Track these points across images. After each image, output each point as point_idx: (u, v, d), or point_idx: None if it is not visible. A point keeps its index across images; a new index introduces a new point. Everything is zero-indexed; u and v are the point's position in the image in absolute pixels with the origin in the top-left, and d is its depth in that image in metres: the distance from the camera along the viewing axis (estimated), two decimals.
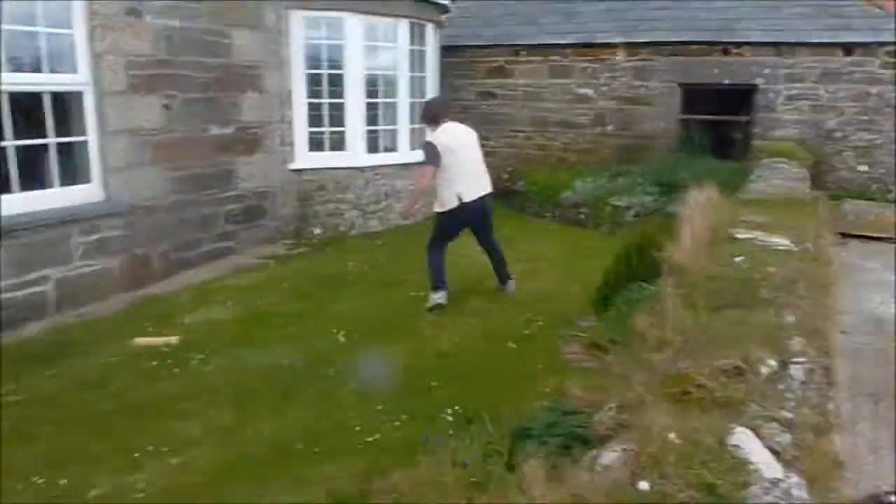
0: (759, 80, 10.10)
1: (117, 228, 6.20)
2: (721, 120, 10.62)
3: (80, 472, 3.45)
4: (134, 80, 6.24)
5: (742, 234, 3.58)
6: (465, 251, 8.15)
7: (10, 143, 5.39)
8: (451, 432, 3.93)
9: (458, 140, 6.05)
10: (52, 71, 5.77)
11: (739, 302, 2.50)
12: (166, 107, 6.41)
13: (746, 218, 4.07)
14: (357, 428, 3.98)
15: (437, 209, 6.29)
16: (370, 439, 3.85)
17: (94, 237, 5.99)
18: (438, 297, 6.06)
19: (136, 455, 3.65)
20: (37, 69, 5.68)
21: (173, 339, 5.22)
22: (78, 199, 5.95)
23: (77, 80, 5.90)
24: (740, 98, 10.39)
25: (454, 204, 5.99)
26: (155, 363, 4.84)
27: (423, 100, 9.38)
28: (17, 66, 5.56)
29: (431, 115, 6.20)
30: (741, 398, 1.79)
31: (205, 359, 4.92)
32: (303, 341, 5.26)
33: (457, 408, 4.17)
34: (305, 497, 3.30)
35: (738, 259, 3.07)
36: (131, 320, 5.70)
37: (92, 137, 6.06)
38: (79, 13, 5.81)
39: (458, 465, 2.64)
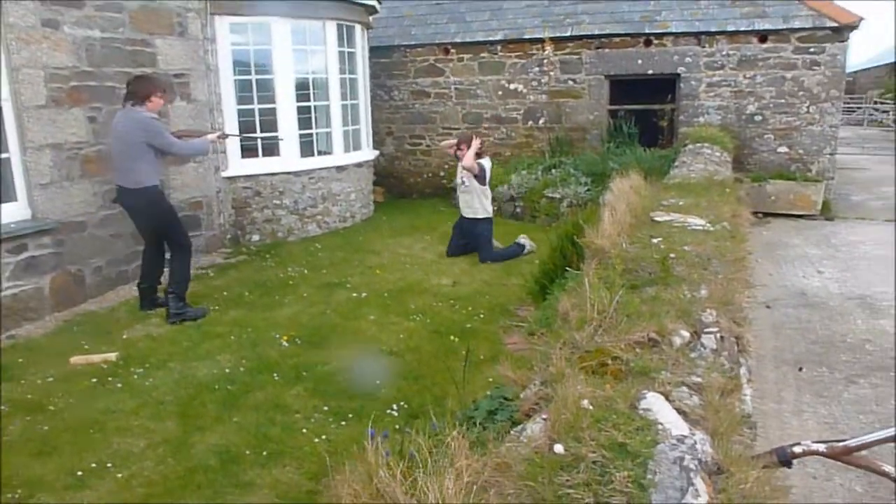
0: (681, 69, 10.47)
1: (47, 246, 6.04)
2: (648, 109, 10.97)
3: (24, 495, 3.40)
4: (55, 93, 6.09)
5: (661, 217, 3.75)
6: (409, 251, 8.25)
7: None
8: (396, 427, 4.02)
9: None
10: None
11: (656, 280, 2.65)
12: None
13: (667, 201, 4.26)
14: (304, 430, 4.02)
15: None
16: (317, 440, 3.90)
17: (22, 256, 5.84)
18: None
19: (80, 473, 3.60)
20: None
21: (112, 356, 5.13)
22: (3, 218, 5.79)
23: None
24: (665, 87, 10.75)
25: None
26: (94, 380, 4.75)
27: (353, 102, 9.47)
28: None
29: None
30: (654, 367, 1.92)
31: (145, 373, 4.86)
32: (245, 349, 5.25)
33: (403, 404, 4.26)
34: (256, 501, 3.33)
35: (655, 240, 3.23)
36: (67, 339, 5.57)
37: (14, 153, 5.90)
38: None
39: (404, 457, 2.73)
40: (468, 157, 7.40)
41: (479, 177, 7.54)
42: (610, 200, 3.90)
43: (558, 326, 2.34)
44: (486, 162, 7.71)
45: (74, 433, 4.04)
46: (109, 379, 4.78)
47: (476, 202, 7.62)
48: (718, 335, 2.32)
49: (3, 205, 5.82)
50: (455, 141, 7.85)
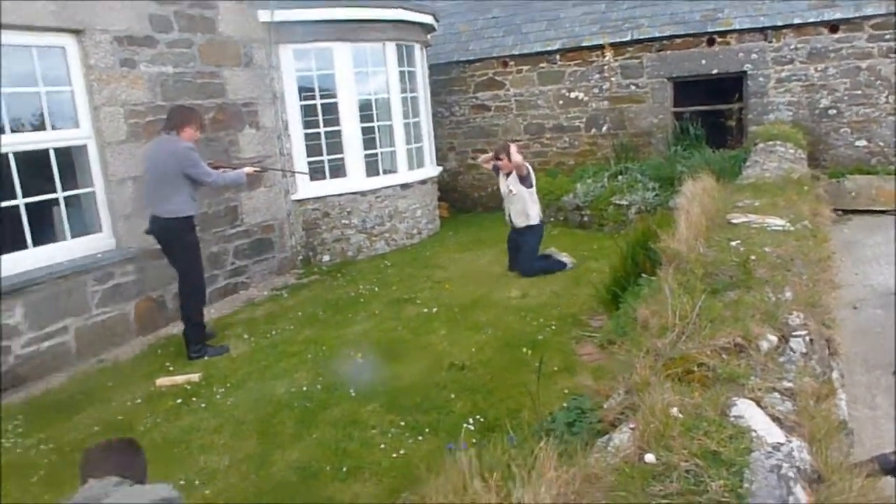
0: (747, 67, 10.19)
1: (130, 274, 6.32)
2: (714, 109, 10.71)
3: None
4: (134, 127, 6.39)
5: (738, 219, 3.65)
6: (476, 264, 8.26)
7: (21, 202, 5.54)
8: (474, 441, 4.01)
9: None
10: (55, 128, 5.93)
11: (737, 283, 2.57)
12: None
13: (742, 202, 4.14)
14: (382, 445, 4.05)
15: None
16: (395, 455, 3.93)
17: (108, 284, 6.12)
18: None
19: None
20: (40, 128, 5.84)
21: (195, 377, 5.31)
22: (90, 249, 6.10)
23: (79, 134, 6.06)
24: (731, 86, 10.47)
25: None
26: (179, 401, 4.93)
27: (414, 120, 9.56)
28: (20, 126, 5.73)
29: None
30: (742, 373, 1.86)
31: (226, 392, 5.01)
32: (321, 366, 5.34)
33: (478, 417, 4.25)
34: None
35: (734, 243, 3.14)
36: (152, 362, 5.80)
37: (98, 187, 6.21)
38: (76, 69, 5.98)
39: (483, 471, 2.72)
40: (515, 155, 7.35)
41: (527, 178, 7.43)
42: (682, 204, 3.82)
43: (638, 334, 2.30)
44: (528, 165, 7.63)
45: (162, 451, 4.19)
46: (193, 399, 4.95)
47: (527, 208, 7.50)
48: (807, 338, 2.23)
49: (91, 236, 6.13)
50: (492, 154, 7.78)
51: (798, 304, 2.49)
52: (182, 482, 3.79)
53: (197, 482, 3.80)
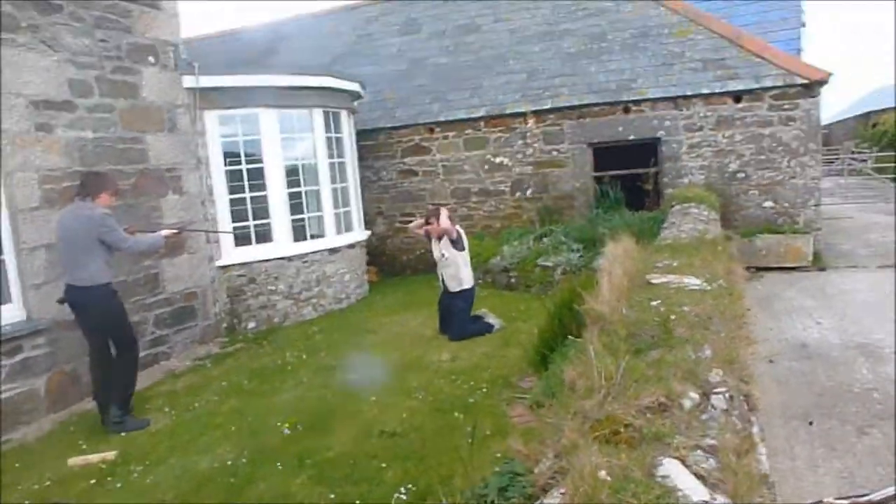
0: (661, 133, 10.73)
1: (41, 346, 6.01)
2: (631, 173, 11.18)
3: None
4: (49, 193, 6.18)
5: (657, 279, 3.77)
6: (405, 328, 8.22)
7: None
8: None
9: None
10: None
11: (658, 343, 2.64)
12: None
13: (661, 263, 4.29)
14: None
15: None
16: None
17: (17, 358, 5.79)
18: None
19: None
20: None
21: (110, 455, 5.02)
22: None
23: None
24: (647, 151, 10.99)
25: None
26: (93, 482, 4.64)
27: (342, 184, 9.60)
28: None
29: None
30: (667, 431, 1.90)
31: (145, 470, 4.75)
32: (246, 439, 5.15)
33: (410, 486, 4.16)
34: None
35: (654, 302, 3.24)
36: (64, 440, 5.47)
37: (9, 256, 5.93)
38: None
39: None
40: (444, 220, 7.47)
41: (458, 242, 7.55)
42: (605, 266, 3.93)
43: (566, 396, 2.32)
44: (459, 228, 7.77)
45: None
46: (108, 479, 4.67)
47: (459, 272, 7.59)
48: (727, 394, 2.30)
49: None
50: (423, 220, 7.89)
51: (717, 360, 2.58)
52: None
53: None
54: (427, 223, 7.72)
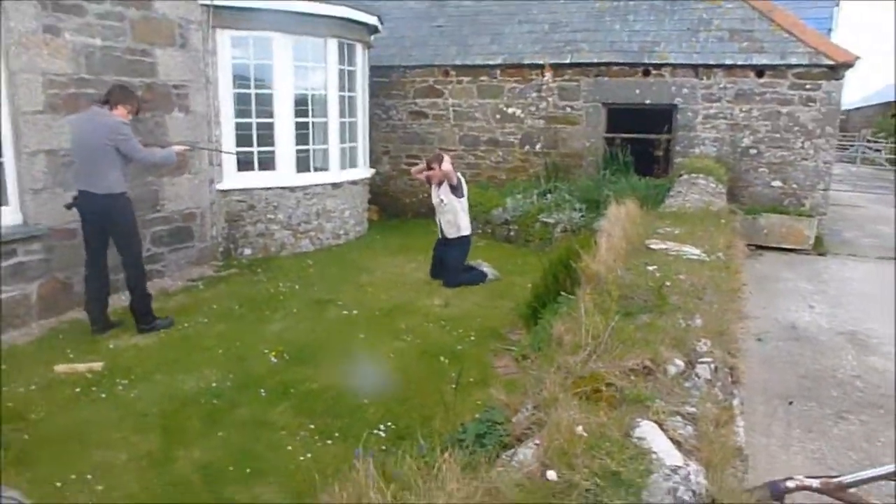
0: (678, 100, 10.56)
1: (36, 252, 5.99)
2: (644, 138, 11.04)
3: None
4: (53, 98, 6.08)
5: (657, 245, 3.75)
6: (401, 270, 8.22)
7: None
8: (383, 448, 3.97)
9: None
10: None
11: (650, 307, 2.63)
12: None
13: (662, 230, 4.26)
14: (289, 448, 3.96)
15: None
16: (302, 458, 3.84)
17: (11, 261, 5.78)
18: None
19: (59, 485, 3.54)
20: None
21: (97, 366, 5.06)
22: None
23: None
24: (662, 117, 10.83)
25: None
26: (78, 390, 4.68)
27: (351, 119, 9.49)
28: None
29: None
30: (648, 395, 1.90)
31: (130, 384, 4.80)
32: (232, 363, 5.19)
33: (389, 424, 4.21)
34: None
35: (650, 268, 3.22)
36: (52, 347, 5.50)
37: (8, 159, 5.87)
38: None
39: (390, 478, 2.68)
40: (447, 164, 7.42)
41: (458, 188, 7.52)
42: (606, 227, 3.90)
43: (552, 351, 2.32)
44: (460, 176, 7.73)
45: (55, 443, 3.98)
46: (93, 389, 4.72)
47: (458, 219, 7.59)
48: (713, 365, 2.30)
49: None
50: (424, 165, 7.83)
51: (707, 331, 2.57)
52: (73, 477, 3.60)
53: (89, 476, 3.61)
54: (429, 168, 7.65)
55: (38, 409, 4.40)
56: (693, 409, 1.89)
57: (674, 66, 10.50)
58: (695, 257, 3.63)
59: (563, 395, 1.81)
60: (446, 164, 7.42)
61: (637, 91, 10.72)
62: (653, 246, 3.73)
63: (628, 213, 4.41)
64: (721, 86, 10.37)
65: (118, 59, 6.72)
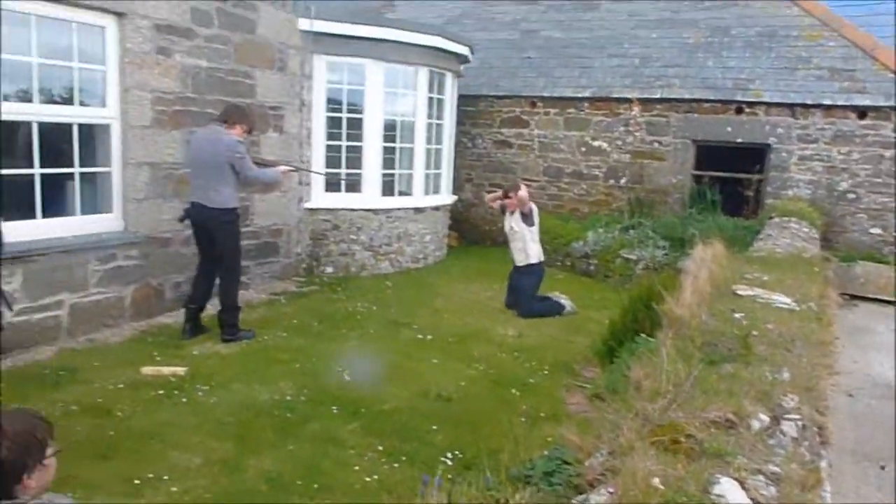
0: (771, 140, 10.22)
1: (133, 258, 6.32)
2: (733, 177, 10.71)
3: (81, 496, 3.48)
4: (159, 115, 6.44)
5: (744, 291, 3.62)
6: (476, 298, 8.23)
7: (37, 171, 5.57)
8: (449, 476, 3.96)
9: None
10: (83, 104, 5.98)
11: (735, 357, 2.54)
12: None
13: (750, 275, 4.11)
14: (356, 467, 4.00)
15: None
16: (368, 479, 3.87)
17: (110, 265, 6.12)
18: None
19: (137, 482, 3.69)
20: (68, 102, 5.89)
21: (180, 370, 5.27)
22: (98, 228, 6.11)
23: (105, 113, 6.10)
24: (753, 156, 10.50)
25: None
26: (161, 392, 4.89)
27: (437, 146, 9.64)
28: (50, 98, 5.78)
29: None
30: (730, 450, 1.83)
31: (209, 391, 4.97)
32: (307, 378, 5.30)
33: (457, 452, 4.20)
34: None
35: (737, 315, 3.11)
36: (140, 349, 5.77)
37: (115, 169, 6.24)
38: (112, 50, 6.05)
39: None
40: (524, 192, 7.41)
41: (529, 217, 7.51)
42: (690, 268, 3.80)
43: (629, 395, 2.27)
44: (533, 205, 7.70)
45: (136, 441, 4.15)
46: (175, 392, 4.90)
47: (527, 247, 7.55)
48: (800, 423, 2.19)
49: (100, 216, 6.16)
50: (501, 193, 7.84)
51: (794, 386, 2.46)
52: (150, 476, 3.74)
53: (165, 477, 3.75)
54: (506, 197, 7.68)
55: (123, 407, 4.60)
56: (777, 469, 1.80)
57: (768, 104, 10.19)
58: (784, 306, 3.48)
59: (640, 444, 1.77)
60: (523, 191, 7.43)
61: (728, 129, 10.45)
62: (740, 292, 3.61)
63: (715, 254, 4.29)
64: (818, 126, 9.98)
65: (221, 80, 7.07)
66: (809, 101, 9.94)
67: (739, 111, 10.39)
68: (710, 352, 2.58)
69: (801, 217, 8.26)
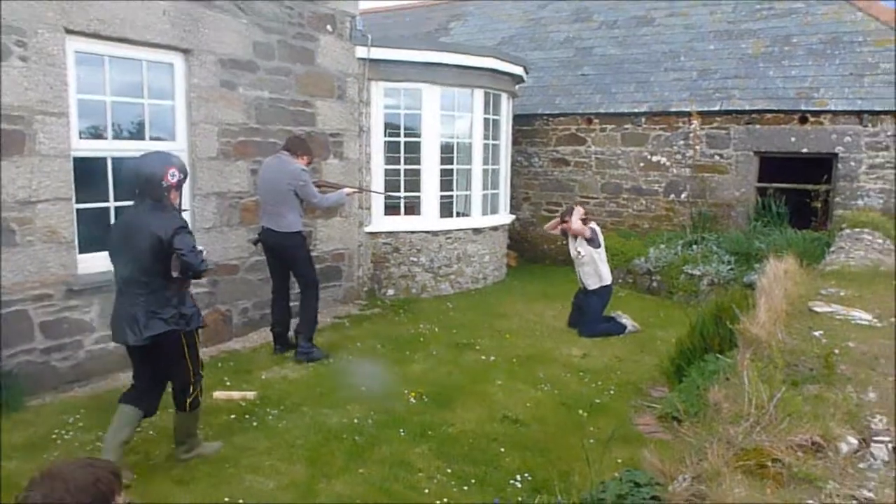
0: (839, 149, 9.90)
1: (202, 285, 6.51)
2: (800, 189, 10.40)
3: None
4: (225, 146, 6.66)
5: (821, 308, 3.51)
6: (539, 318, 8.18)
7: (112, 205, 5.81)
8: (520, 499, 3.93)
9: None
10: (153, 139, 6.24)
11: (818, 377, 2.46)
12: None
13: (826, 290, 3.98)
14: (426, 490, 4.01)
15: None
16: (439, 502, 3.87)
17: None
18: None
19: None
20: (138, 136, 6.15)
21: (251, 395, 5.39)
22: None
23: (174, 147, 6.33)
24: (820, 166, 10.18)
25: None
26: (233, 417, 5.01)
27: (494, 167, 9.68)
28: (120, 133, 6.05)
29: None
30: (820, 475, 1.77)
31: (279, 415, 5.07)
32: (375, 401, 5.35)
33: (526, 475, 4.17)
34: None
35: (816, 333, 3.02)
36: (211, 374, 5.91)
37: (185, 200, 6.45)
38: (180, 85, 6.30)
39: None
40: (576, 221, 7.40)
41: (592, 240, 7.47)
42: (764, 285, 3.70)
43: (709, 418, 2.22)
44: (595, 226, 7.66)
45: (212, 466, 4.26)
46: (246, 416, 5.02)
47: (598, 269, 7.50)
48: (890, 445, 2.11)
49: None
50: (558, 220, 7.86)
51: (882, 406, 2.37)
52: (227, 499, 3.83)
53: (240, 501, 3.83)
54: (563, 222, 7.66)
55: (198, 431, 4.72)
56: (871, 495, 1.74)
57: (834, 112, 9.88)
58: (865, 322, 3.36)
59: (726, 469, 1.73)
60: (575, 222, 7.41)
61: (792, 139, 10.17)
62: (817, 308, 3.50)
63: (787, 270, 4.17)
64: (889, 133, 9.62)
65: (283, 110, 7.27)
66: (878, 108, 9.59)
67: (804, 121, 10.11)
68: (791, 372, 2.50)
69: (875, 228, 7.93)
